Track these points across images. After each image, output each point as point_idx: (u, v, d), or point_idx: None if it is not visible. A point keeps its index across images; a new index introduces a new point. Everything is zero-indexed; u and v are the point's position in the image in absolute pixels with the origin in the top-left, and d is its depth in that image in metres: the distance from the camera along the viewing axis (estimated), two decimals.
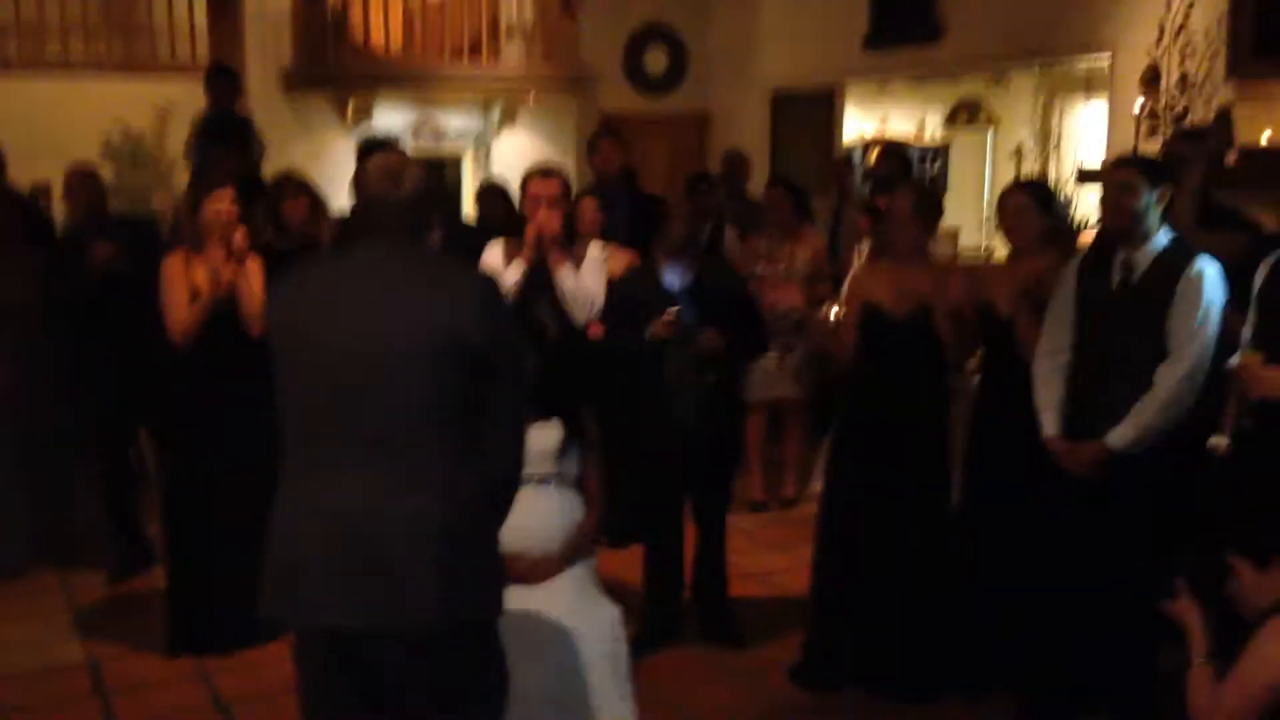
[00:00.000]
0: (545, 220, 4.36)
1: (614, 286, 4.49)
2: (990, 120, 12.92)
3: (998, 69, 9.75)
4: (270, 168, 8.04)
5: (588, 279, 4.52)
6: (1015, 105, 12.50)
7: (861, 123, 12.38)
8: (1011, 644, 3.83)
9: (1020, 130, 12.35)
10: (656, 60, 10.55)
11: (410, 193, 2.49)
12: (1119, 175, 3.46)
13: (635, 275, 4.39)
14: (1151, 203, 3.39)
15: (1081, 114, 10.99)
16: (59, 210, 6.37)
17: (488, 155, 9.66)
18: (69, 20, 8.99)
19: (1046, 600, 3.66)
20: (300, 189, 5.21)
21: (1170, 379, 3.34)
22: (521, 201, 4.61)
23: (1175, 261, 3.38)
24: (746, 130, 10.29)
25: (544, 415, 3.50)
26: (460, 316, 2.38)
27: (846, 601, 4.03)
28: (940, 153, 12.71)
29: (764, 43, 10.13)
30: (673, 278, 4.16)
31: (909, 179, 4.16)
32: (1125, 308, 3.47)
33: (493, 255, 4.54)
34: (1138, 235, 3.41)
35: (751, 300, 4.48)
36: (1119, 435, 3.39)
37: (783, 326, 5.76)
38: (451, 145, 9.59)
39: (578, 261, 4.54)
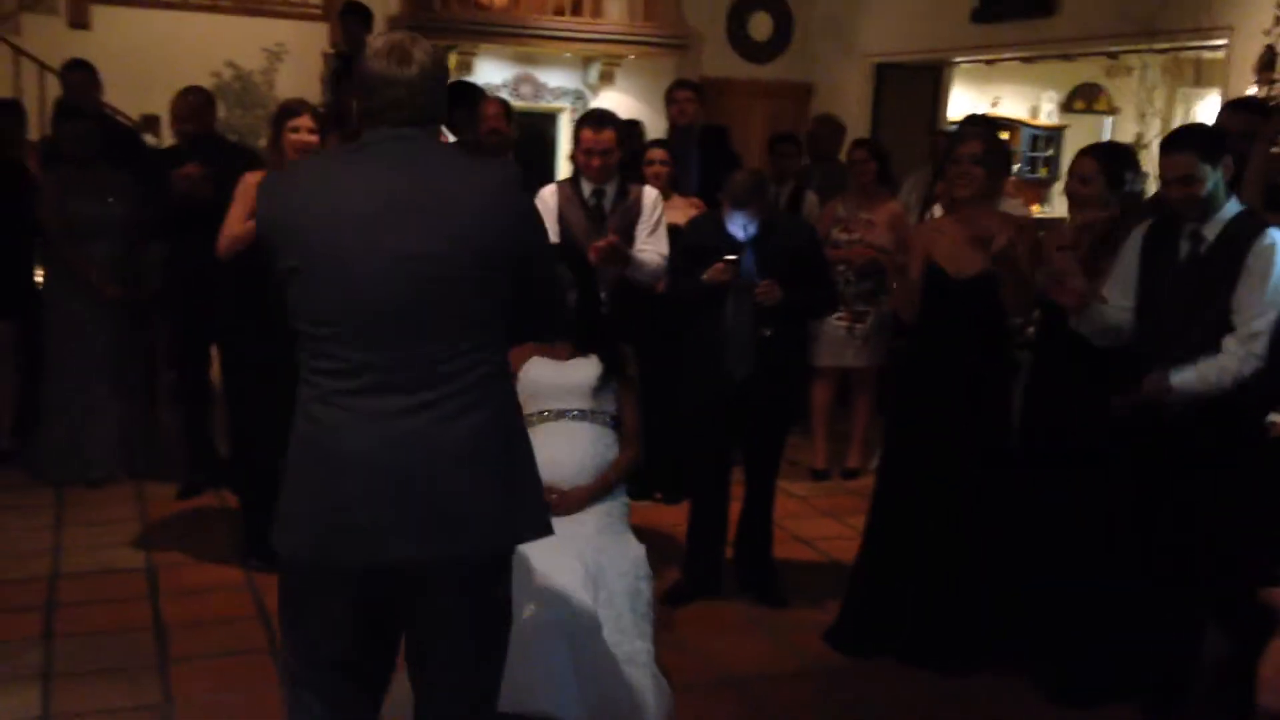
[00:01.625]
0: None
1: (679, 234, 4.47)
2: (1109, 107, 12.56)
3: (1112, 51, 9.36)
4: None
5: (645, 246, 4.51)
6: (1137, 93, 12.13)
7: (973, 102, 12.13)
8: (1049, 622, 3.74)
9: (1141, 119, 11.99)
10: (761, 26, 10.42)
11: (421, 72, 2.19)
12: (1177, 165, 3.29)
13: (700, 222, 4.36)
14: (1216, 179, 3.26)
15: (1205, 105, 10.62)
16: (168, 141, 6.53)
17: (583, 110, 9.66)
18: None
19: (1091, 579, 3.56)
20: (325, 121, 5.20)
21: (1238, 348, 3.23)
22: (574, 149, 4.58)
23: (1245, 232, 3.25)
24: (849, 102, 10.12)
25: (583, 351, 3.50)
26: (500, 222, 2.20)
27: (892, 568, 3.96)
28: (1054, 136, 12.40)
29: (869, 13, 9.94)
30: (737, 226, 4.11)
31: (977, 128, 4.02)
32: (1192, 278, 3.35)
33: (547, 194, 4.55)
34: (1207, 212, 3.30)
35: (819, 258, 4.40)
36: (1181, 375, 3.27)
37: (856, 293, 5.68)
38: (550, 102, 9.62)
39: (634, 214, 4.51)
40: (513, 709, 3.10)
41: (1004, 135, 12.31)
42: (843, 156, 6.56)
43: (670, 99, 5.91)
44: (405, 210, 2.15)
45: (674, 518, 4.55)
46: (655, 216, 4.56)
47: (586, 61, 9.67)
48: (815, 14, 10.50)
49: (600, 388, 3.51)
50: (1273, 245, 3.20)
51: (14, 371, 5.57)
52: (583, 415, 3.50)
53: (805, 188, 6.32)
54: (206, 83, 8.64)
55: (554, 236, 4.29)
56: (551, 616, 3.11)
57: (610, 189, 4.53)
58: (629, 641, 3.23)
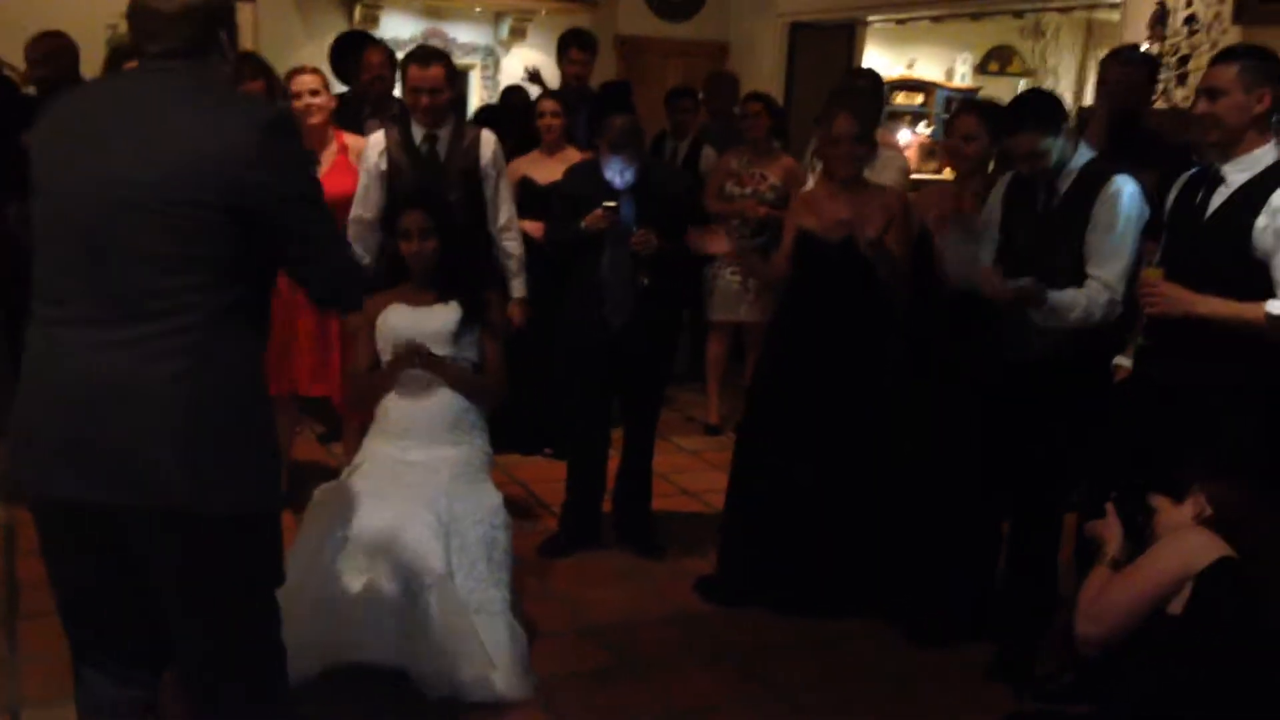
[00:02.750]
0: None
1: (559, 182, 4.40)
2: (1023, 69, 12.65)
3: (1017, 10, 9.40)
4: (277, 67, 8.00)
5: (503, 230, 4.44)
6: (1049, 55, 12.24)
7: (888, 63, 12.16)
8: (906, 562, 3.78)
9: (1054, 82, 12.09)
10: None
11: (183, 6, 2.13)
12: (1020, 144, 3.32)
13: (578, 170, 4.30)
14: (1060, 144, 3.30)
15: None
16: None
17: (496, 69, 9.52)
18: None
19: (942, 517, 3.64)
20: (259, 70, 5.13)
21: (1091, 287, 3.24)
22: (403, 88, 4.40)
23: (1093, 181, 3.28)
24: (764, 61, 10.09)
25: (443, 297, 3.44)
26: (229, 157, 2.06)
27: (759, 516, 3.97)
28: (969, 99, 12.47)
29: None
30: (614, 173, 4.05)
31: (849, 100, 4.01)
32: (1048, 229, 3.38)
33: (375, 140, 4.36)
34: (1055, 171, 3.34)
35: (696, 206, 4.38)
36: (1056, 294, 3.25)
37: (749, 248, 5.65)
38: (461, 59, 9.44)
39: (472, 158, 4.37)
40: (355, 660, 3.07)
41: (918, 98, 12.42)
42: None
43: (563, 55, 5.84)
44: (121, 137, 2.09)
45: (562, 473, 4.52)
46: (497, 170, 4.39)
47: (498, 16, 9.50)
48: None
49: (461, 333, 3.45)
50: (1118, 192, 3.23)
51: None
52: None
53: (703, 142, 6.27)
54: (97, 43, 8.46)
55: (375, 184, 4.22)
56: (395, 564, 3.06)
57: (444, 133, 4.32)
58: (483, 590, 3.19)
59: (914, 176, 6.51)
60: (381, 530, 3.13)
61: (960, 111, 3.98)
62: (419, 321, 3.43)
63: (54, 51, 5.18)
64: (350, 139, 4.52)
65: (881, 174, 4.58)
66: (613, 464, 4.37)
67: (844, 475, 3.83)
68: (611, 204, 3.94)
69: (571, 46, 5.93)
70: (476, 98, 9.34)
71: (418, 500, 3.18)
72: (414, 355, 3.34)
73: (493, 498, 3.37)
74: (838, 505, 3.83)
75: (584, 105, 5.28)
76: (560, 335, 4.22)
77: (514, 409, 5.20)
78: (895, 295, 3.85)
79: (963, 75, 12.48)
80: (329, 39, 8.87)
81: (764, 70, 10.02)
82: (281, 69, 7.59)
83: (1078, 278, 3.27)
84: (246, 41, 8.05)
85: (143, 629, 2.33)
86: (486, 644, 3.11)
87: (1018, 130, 3.34)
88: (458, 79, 4.60)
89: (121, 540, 2.20)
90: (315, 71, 4.50)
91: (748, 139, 5.72)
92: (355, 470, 3.39)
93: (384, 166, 4.25)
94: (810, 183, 4.80)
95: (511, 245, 4.42)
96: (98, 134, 2.11)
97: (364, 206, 4.24)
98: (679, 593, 4.03)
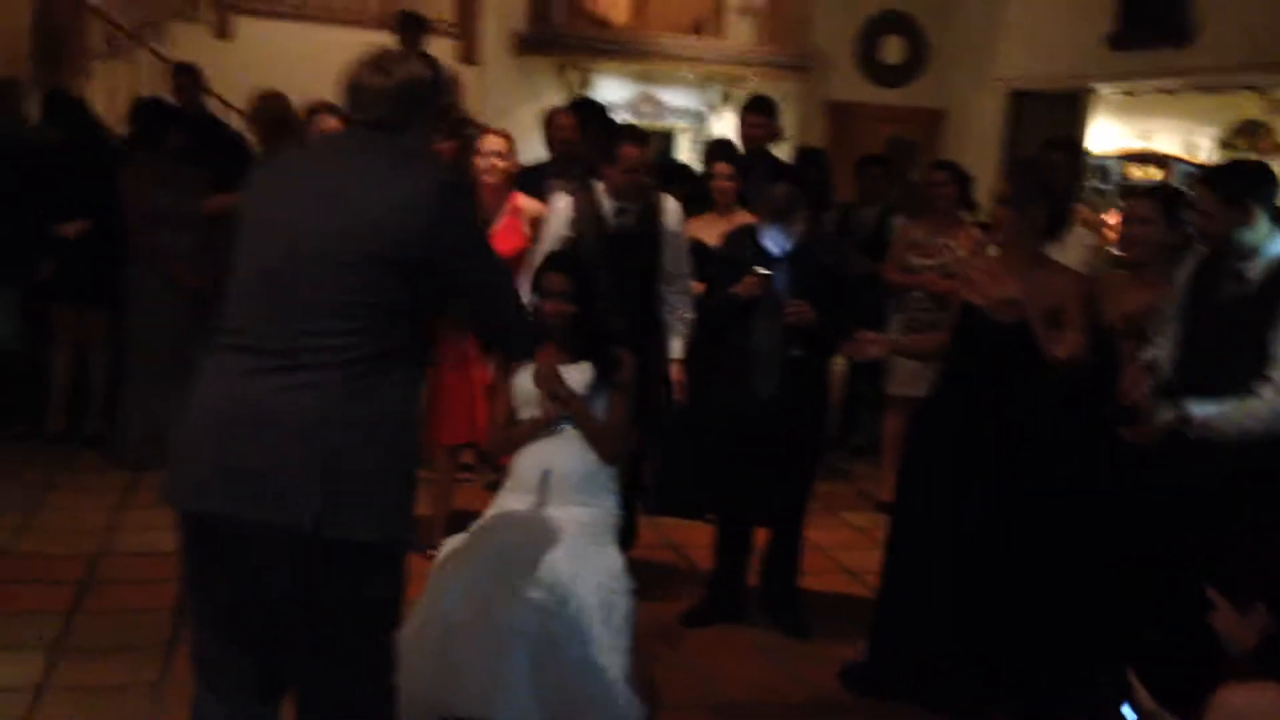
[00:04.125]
0: None
1: (717, 246, 4.37)
2: (1276, 146, 11.82)
3: (1256, 85, 8.80)
4: (496, 128, 8.34)
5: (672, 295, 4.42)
6: None
7: (1121, 136, 11.61)
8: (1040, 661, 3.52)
9: None
10: (892, 50, 10.20)
11: (396, 84, 2.37)
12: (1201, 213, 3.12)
13: (737, 235, 4.25)
14: (1241, 223, 3.07)
15: None
16: None
17: (704, 133, 9.62)
18: None
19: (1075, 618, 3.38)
20: (454, 130, 5.33)
21: (1275, 395, 2.96)
22: (609, 164, 4.38)
23: None
24: (981, 130, 9.81)
25: (576, 357, 3.46)
26: (408, 219, 2.26)
27: (915, 606, 3.76)
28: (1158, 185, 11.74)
29: (1005, 37, 9.59)
30: (771, 242, 4.00)
31: (1015, 169, 3.79)
32: (1231, 322, 3.10)
33: (563, 203, 4.44)
34: (1246, 256, 3.06)
35: (857, 280, 4.26)
36: (1204, 409, 3.04)
37: (930, 321, 5.46)
38: (669, 122, 9.60)
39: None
40: (467, 715, 3.07)
41: (1155, 173, 11.77)
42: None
43: (742, 120, 5.84)
44: (313, 192, 2.32)
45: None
46: (677, 234, 4.40)
47: (708, 82, 9.62)
48: (949, 38, 10.21)
49: (592, 394, 3.45)
50: None
51: (106, 358, 5.82)
52: (571, 421, 3.44)
53: (893, 212, 6.12)
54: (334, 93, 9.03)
55: (553, 242, 4.26)
56: (515, 623, 3.05)
57: (636, 208, 4.35)
58: (599, 655, 3.13)
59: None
60: (501, 589, 3.13)
61: (1138, 196, 3.72)
62: None
63: (271, 110, 5.55)
64: (524, 201, 4.62)
65: (1067, 252, 4.32)
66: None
67: (1008, 564, 3.58)
68: (765, 271, 3.88)
69: (749, 110, 5.91)
70: (684, 160, 9.45)
71: (539, 556, 3.17)
72: (554, 385, 3.37)
73: (614, 560, 3.32)
74: (999, 597, 3.59)
75: (762, 168, 5.23)
76: (712, 402, 4.16)
77: (676, 472, 5.18)
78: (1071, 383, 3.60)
79: (1206, 150, 11.76)
80: (544, 100, 9.28)
81: (981, 139, 9.74)
82: (501, 125, 7.95)
83: (1255, 375, 2.98)
84: (471, 102, 8.47)
85: (260, 658, 2.42)
86: (599, 711, 3.05)
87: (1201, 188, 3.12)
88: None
89: (253, 563, 2.32)
90: (503, 134, 4.65)
91: (933, 209, 5.54)
92: (482, 526, 3.41)
93: (568, 233, 4.32)
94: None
95: (681, 306, 4.40)
96: (295, 189, 2.36)
97: None
98: (821, 677, 3.87)
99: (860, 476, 6.15)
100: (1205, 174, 3.17)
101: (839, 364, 6.50)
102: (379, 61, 2.41)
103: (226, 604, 2.39)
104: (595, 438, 3.46)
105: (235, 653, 2.41)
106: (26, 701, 3.33)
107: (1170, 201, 3.61)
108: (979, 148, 9.54)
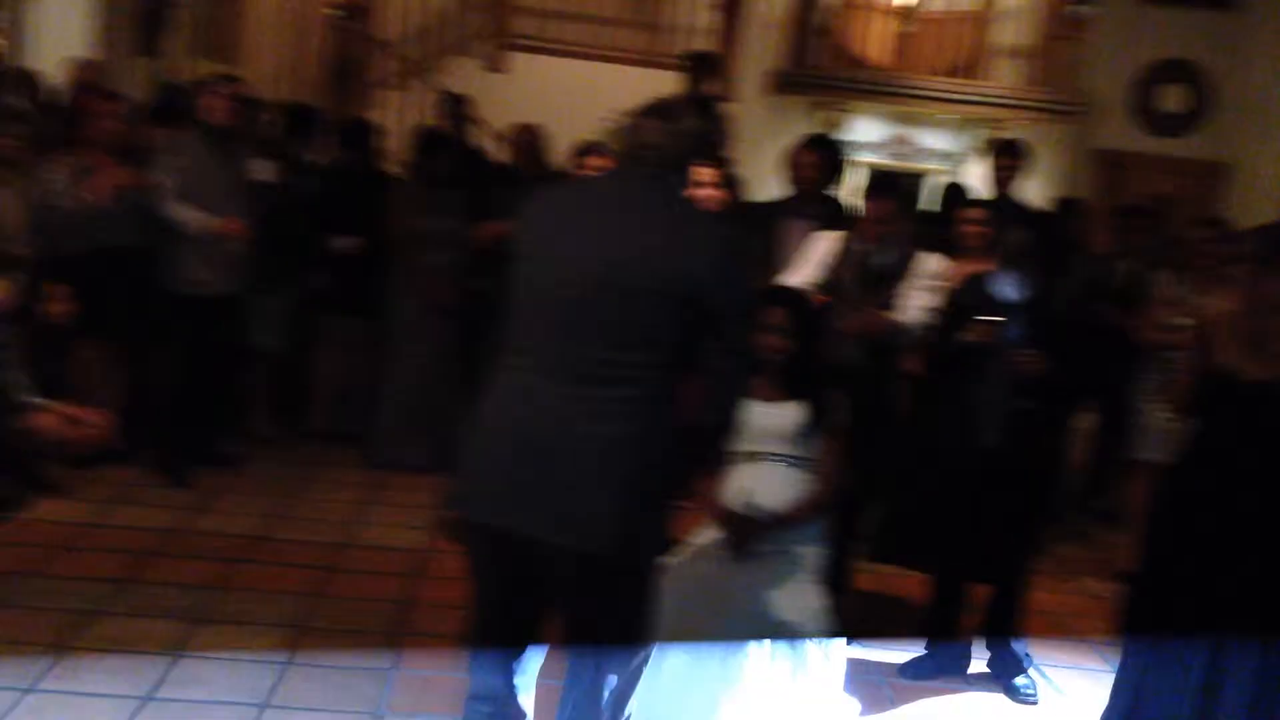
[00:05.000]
0: None
1: (952, 291, 4.28)
2: None
3: None
4: (746, 164, 8.46)
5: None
6: None
7: None
8: None
9: None
10: (1171, 98, 9.70)
11: (675, 129, 2.52)
12: None
13: (971, 282, 4.15)
14: None
15: None
16: None
17: (961, 176, 9.41)
18: (603, 13, 10.00)
19: None
20: None
21: None
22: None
23: None
24: (1270, 184, 9.17)
25: (792, 395, 3.45)
26: (694, 262, 2.42)
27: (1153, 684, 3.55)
28: None
29: None
30: (1005, 289, 3.89)
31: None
32: None
33: (825, 242, 4.47)
34: None
35: (1098, 334, 4.07)
36: None
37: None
38: (923, 164, 9.46)
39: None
40: None
41: None
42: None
43: (991, 163, 5.69)
44: (605, 227, 2.48)
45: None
46: (926, 283, 4.36)
47: (969, 124, 9.43)
48: (1236, 87, 9.61)
49: (804, 434, 3.44)
50: None
51: (365, 363, 6.22)
52: (782, 460, 3.44)
53: (1153, 266, 5.81)
54: (599, 128, 9.39)
55: (805, 279, 4.27)
56: (716, 663, 3.08)
57: (891, 256, 4.37)
58: (797, 692, 3.11)
59: None
60: (703, 623, 3.16)
61: None
62: (766, 417, 3.45)
63: (529, 141, 5.84)
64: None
65: None
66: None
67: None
68: (994, 318, 3.77)
69: (999, 154, 5.76)
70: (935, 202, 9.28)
71: (743, 595, 3.19)
72: (743, 527, 3.36)
73: (817, 601, 3.29)
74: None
75: (1012, 214, 5.09)
76: (931, 448, 4.07)
77: (896, 519, 5.07)
78: None
79: None
80: (795, 138, 9.32)
81: (1269, 194, 9.10)
82: (752, 165, 8.07)
83: None
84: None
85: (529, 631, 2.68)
86: None
87: None
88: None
89: (538, 573, 2.53)
90: (718, 166, 4.65)
91: (1196, 266, 5.23)
92: (688, 557, 3.42)
93: (824, 271, 4.37)
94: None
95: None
96: (586, 222, 2.51)
97: None
98: None
99: (1101, 542, 5.84)
100: None
101: (1085, 422, 6.22)
102: (663, 109, 2.56)
103: (503, 598, 2.62)
104: (810, 517, 3.44)
105: (509, 629, 2.65)
106: (276, 673, 3.62)
107: None
108: (1268, 205, 8.91)
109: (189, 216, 5.09)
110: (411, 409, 5.88)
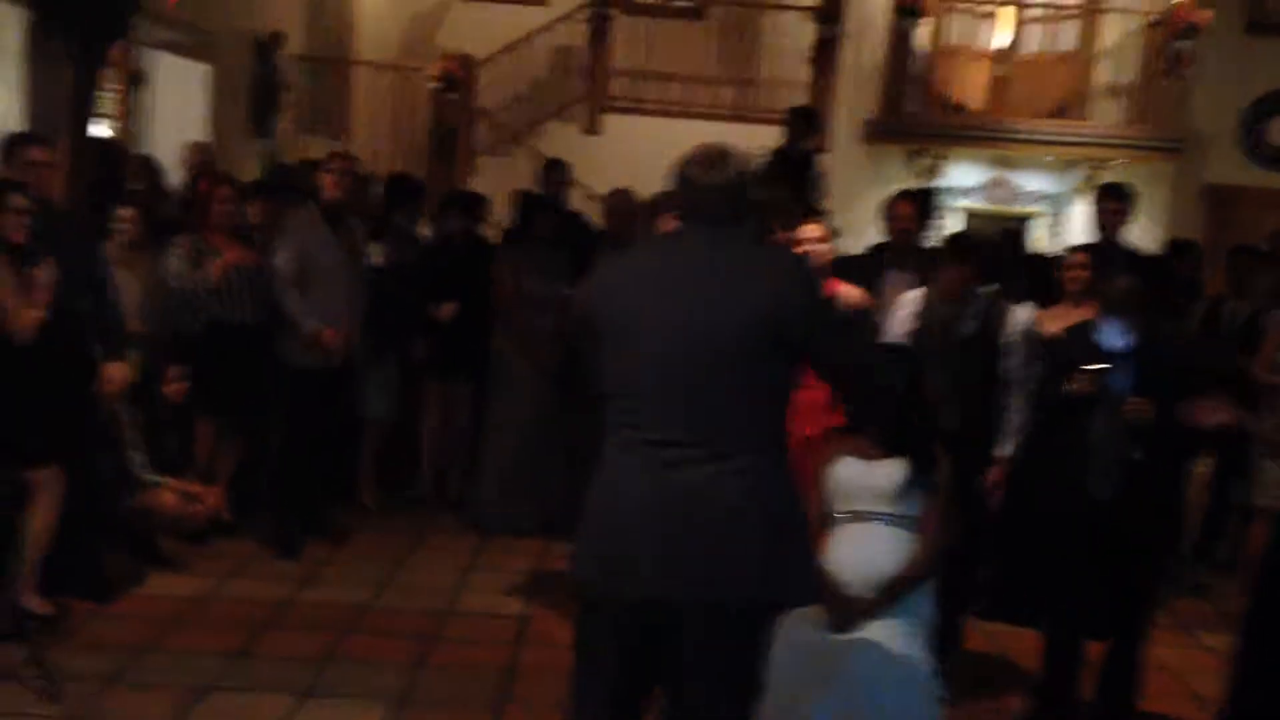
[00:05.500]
0: None
1: (1056, 338, 4.19)
2: None
3: None
4: (843, 214, 8.43)
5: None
6: None
7: None
8: None
9: None
10: None
11: (727, 180, 2.50)
12: None
13: (1076, 330, 4.05)
14: None
15: None
16: None
17: (1062, 218, 9.24)
18: (699, 73, 10.09)
19: None
20: None
21: None
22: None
23: None
24: None
25: (892, 452, 3.40)
26: (784, 301, 2.43)
27: None
28: None
29: None
30: (1110, 337, 3.80)
31: None
32: None
33: (910, 298, 4.43)
34: None
35: (1213, 381, 3.94)
36: None
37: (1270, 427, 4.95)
38: (1023, 206, 9.31)
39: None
40: None
41: None
42: None
43: (1097, 206, 5.56)
44: (695, 288, 2.46)
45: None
46: (1020, 343, 4.27)
47: (1069, 165, 9.27)
48: None
49: (906, 491, 3.38)
50: None
51: (469, 429, 6.30)
52: (884, 519, 3.37)
53: (1271, 306, 5.61)
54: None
55: (900, 334, 4.23)
56: None
57: (971, 309, 4.28)
58: None
59: None
60: (807, 689, 3.10)
61: None
62: (867, 476, 3.40)
63: (621, 204, 5.90)
64: (843, 288, 4.63)
65: None
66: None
67: None
68: (1097, 367, 3.67)
69: (1104, 196, 5.63)
70: (1039, 245, 9.11)
71: (847, 661, 3.13)
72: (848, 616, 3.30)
73: (923, 667, 3.21)
74: None
75: (1118, 258, 4.98)
76: (1040, 501, 3.97)
77: (1009, 575, 4.94)
78: None
79: None
80: (892, 189, 9.27)
81: None
82: (849, 215, 8.06)
83: None
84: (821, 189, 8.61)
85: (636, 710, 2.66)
86: None
87: None
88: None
89: (662, 633, 2.52)
90: (819, 221, 4.66)
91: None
92: (791, 618, 3.37)
93: (910, 325, 4.32)
94: None
95: (1016, 412, 4.24)
96: (673, 286, 2.49)
97: None
98: None
99: (1222, 594, 5.60)
100: None
101: (1202, 470, 6.01)
102: (708, 161, 2.52)
103: (620, 673, 2.59)
104: (915, 583, 3.38)
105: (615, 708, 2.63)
106: None
107: None
108: None
109: (298, 311, 5.20)
110: (514, 473, 5.93)
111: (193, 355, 5.04)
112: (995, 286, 4.52)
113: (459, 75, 9.20)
